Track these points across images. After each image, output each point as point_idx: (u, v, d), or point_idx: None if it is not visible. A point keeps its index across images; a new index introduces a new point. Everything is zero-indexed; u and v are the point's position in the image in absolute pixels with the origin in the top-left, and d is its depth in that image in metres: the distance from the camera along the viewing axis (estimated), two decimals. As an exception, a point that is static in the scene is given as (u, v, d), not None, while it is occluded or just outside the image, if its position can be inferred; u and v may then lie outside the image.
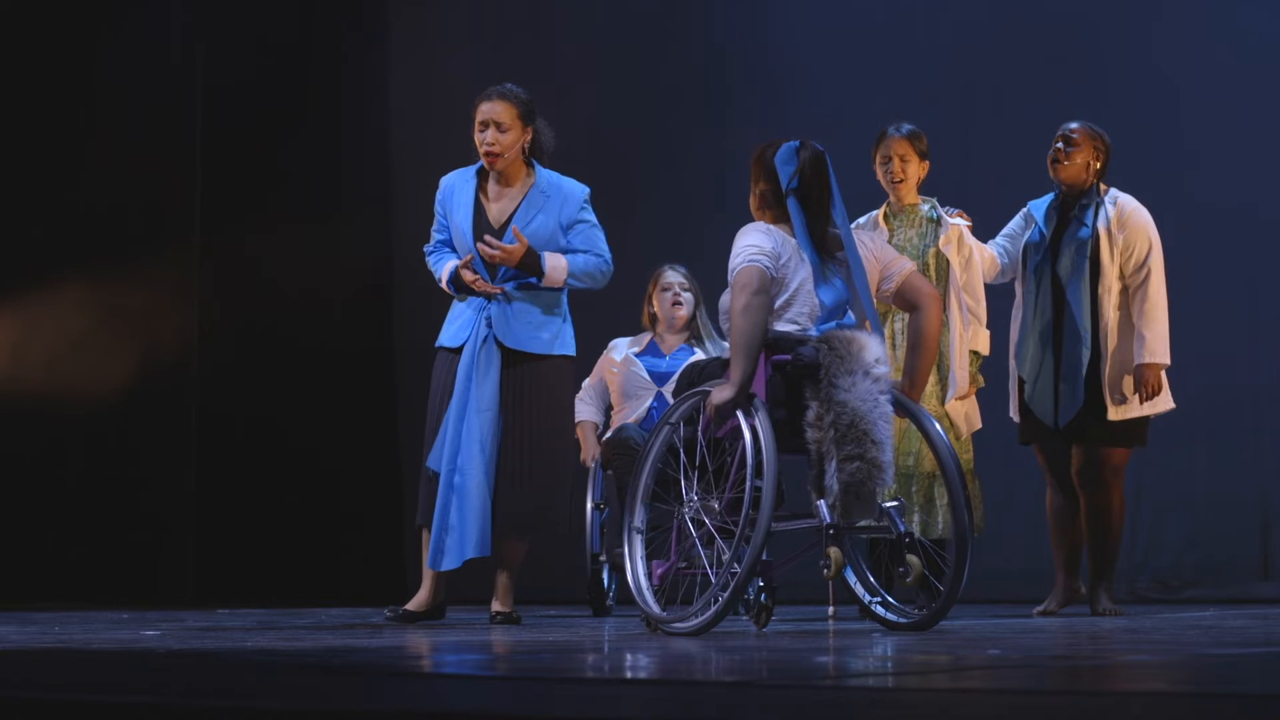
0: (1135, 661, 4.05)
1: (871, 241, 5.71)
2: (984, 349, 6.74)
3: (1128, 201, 6.77)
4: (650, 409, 7.44)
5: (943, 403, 6.57)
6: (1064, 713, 2.88)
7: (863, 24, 9.12)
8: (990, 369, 6.83)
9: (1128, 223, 6.72)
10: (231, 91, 9.45)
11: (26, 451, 9.04)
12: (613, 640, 5.28)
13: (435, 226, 6.37)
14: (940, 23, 9.00)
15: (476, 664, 4.21)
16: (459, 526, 6.08)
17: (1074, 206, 6.77)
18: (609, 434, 7.47)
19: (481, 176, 6.33)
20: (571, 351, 6.31)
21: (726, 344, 7.04)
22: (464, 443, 6.11)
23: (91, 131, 9.28)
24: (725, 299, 5.51)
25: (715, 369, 5.59)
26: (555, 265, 6.16)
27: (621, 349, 7.65)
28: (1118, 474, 6.75)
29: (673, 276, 7.62)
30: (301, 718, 2.95)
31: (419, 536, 6.27)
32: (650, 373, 7.53)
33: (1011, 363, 6.86)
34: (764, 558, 5.21)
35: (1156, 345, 6.63)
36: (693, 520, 5.41)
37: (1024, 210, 6.91)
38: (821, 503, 5.28)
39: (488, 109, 6.21)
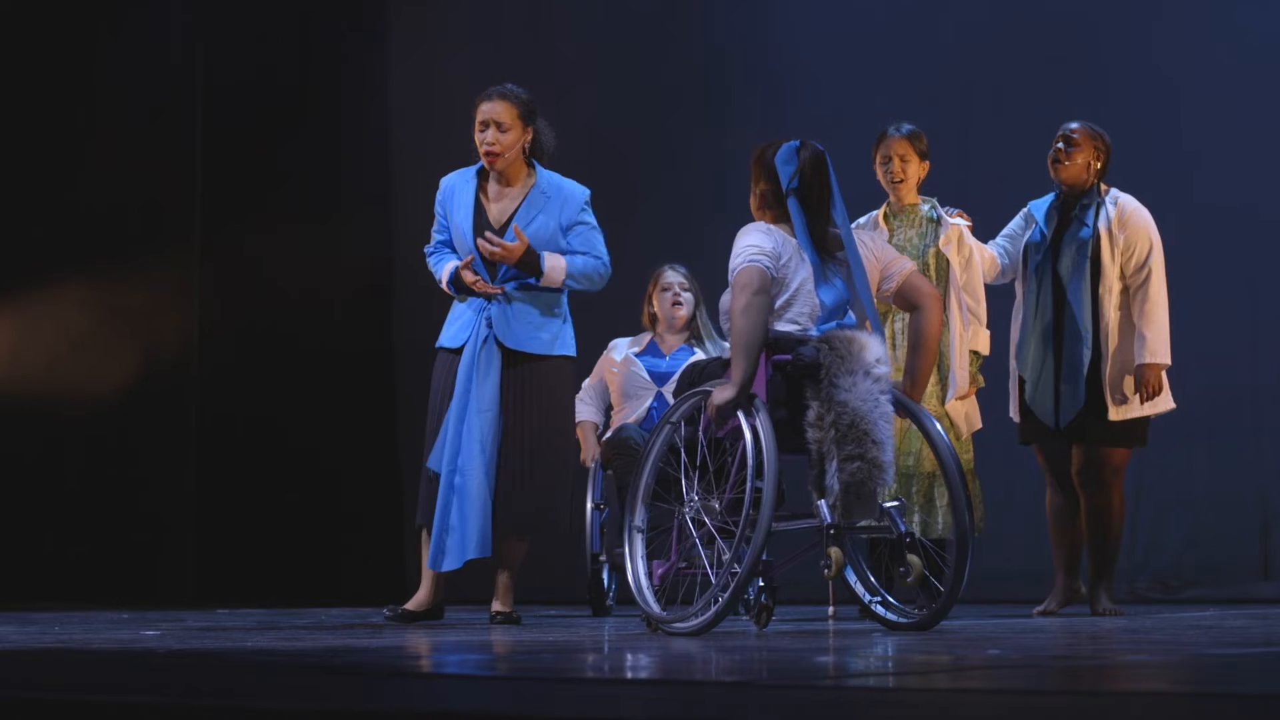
0: (1135, 661, 4.05)
1: (872, 241, 5.71)
2: (984, 349, 6.74)
3: (1128, 202, 6.77)
4: (650, 409, 7.44)
5: (943, 403, 6.57)
6: (1064, 713, 2.88)
7: (863, 24, 9.12)
8: (990, 369, 6.83)
9: (1128, 223, 6.72)
10: (231, 91, 9.45)
11: (26, 451, 9.04)
12: (613, 640, 5.28)
13: (435, 227, 6.37)
14: (940, 23, 9.00)
15: (476, 664, 4.21)
16: (460, 527, 6.08)
17: (1075, 206, 6.77)
18: (609, 434, 7.48)
19: (482, 177, 6.33)
20: (572, 352, 6.31)
21: (727, 344, 7.05)
22: (464, 443, 6.11)
23: (91, 131, 9.28)
24: (726, 299, 5.51)
25: (716, 369, 5.59)
26: (554, 265, 6.16)
27: (621, 349, 7.65)
28: (1118, 474, 6.75)
29: (673, 276, 7.62)
30: (301, 718, 2.95)
31: (419, 536, 6.27)
32: (650, 373, 7.53)
33: (1012, 363, 6.86)
34: (764, 558, 5.21)
35: (1157, 345, 6.63)
36: (693, 520, 5.41)
37: (1024, 210, 6.91)
38: (822, 502, 5.29)
39: (488, 109, 6.22)
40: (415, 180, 8.94)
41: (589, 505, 7.55)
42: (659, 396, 7.45)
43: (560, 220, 6.24)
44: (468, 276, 6.16)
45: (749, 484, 5.19)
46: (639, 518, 5.50)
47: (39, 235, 9.10)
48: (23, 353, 9.01)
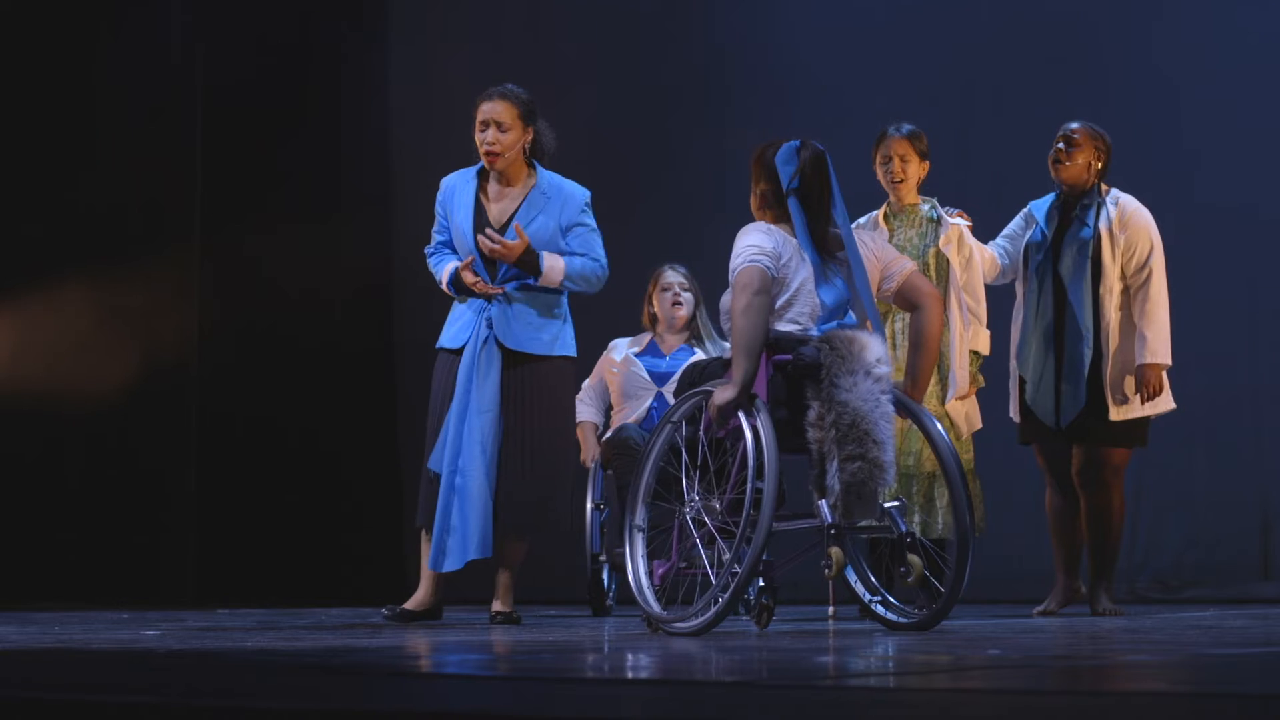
0: (1135, 661, 4.05)
1: (872, 241, 5.71)
2: (984, 349, 6.74)
3: (1129, 202, 6.77)
4: (650, 409, 7.44)
5: (943, 403, 6.57)
6: (1064, 713, 2.88)
7: (863, 24, 9.12)
8: (990, 369, 6.83)
9: (1129, 223, 6.72)
10: (231, 91, 9.44)
11: (26, 451, 9.03)
12: (613, 640, 5.28)
13: (436, 228, 6.37)
14: (940, 23, 9.00)
15: (476, 664, 4.21)
16: (461, 528, 6.08)
17: (1075, 207, 6.77)
18: (609, 434, 7.48)
19: (482, 177, 6.33)
20: (572, 352, 6.31)
21: (727, 344, 7.05)
22: (465, 444, 6.11)
23: (91, 131, 9.28)
24: (726, 299, 5.51)
25: (717, 369, 5.59)
26: (553, 266, 6.16)
27: (621, 349, 7.65)
28: (1118, 474, 6.75)
29: (673, 276, 7.62)
30: (301, 718, 2.95)
31: (419, 537, 6.27)
32: (650, 373, 7.53)
33: (1012, 363, 6.86)
34: (765, 558, 5.20)
35: (1158, 345, 6.63)
36: (693, 520, 5.41)
37: (1024, 210, 6.91)
38: (823, 502, 5.29)
39: (488, 108, 6.22)
40: (415, 180, 8.94)
41: (589, 505, 7.55)
42: (659, 396, 7.45)
43: (560, 221, 6.24)
44: (468, 277, 6.16)
45: (749, 484, 5.18)
46: (639, 517, 5.50)
47: (39, 235, 9.10)
48: (23, 353, 9.01)
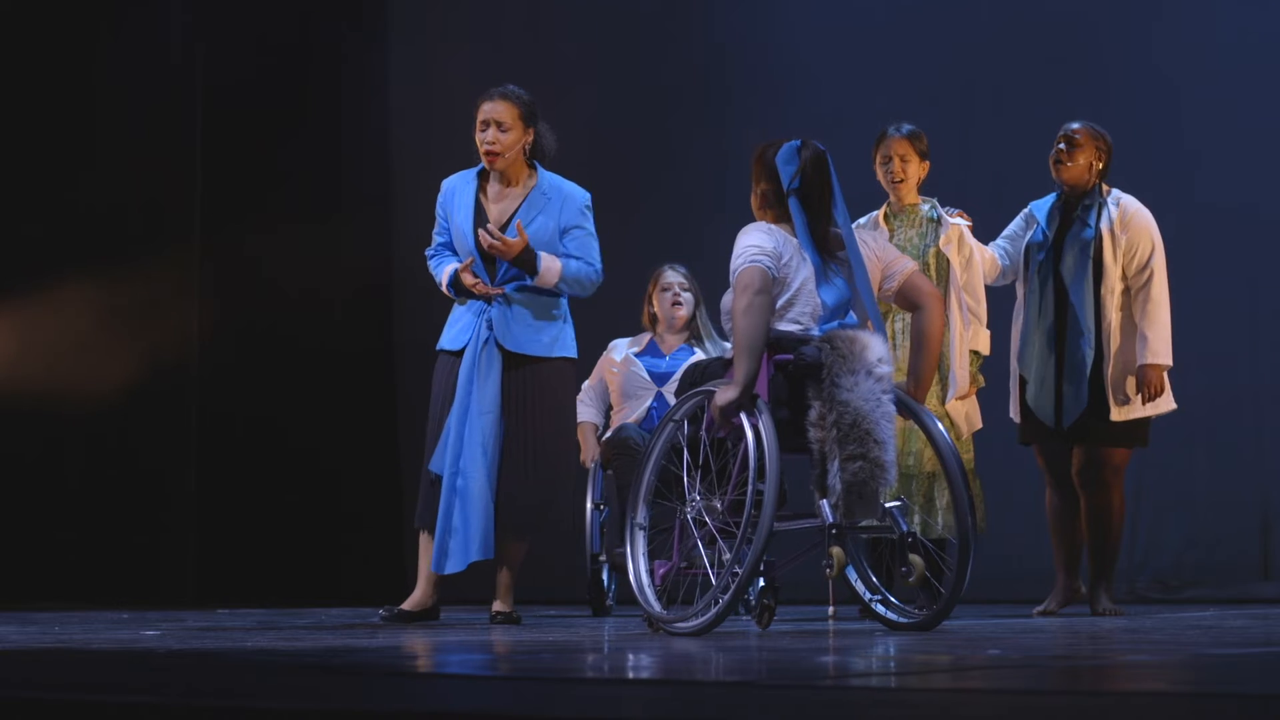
0: (1135, 661, 4.05)
1: (873, 241, 5.71)
2: (984, 349, 6.74)
3: (1130, 202, 6.77)
4: (650, 409, 7.44)
5: (943, 402, 6.57)
6: (1064, 713, 2.88)
7: (863, 24, 9.12)
8: (990, 369, 6.83)
9: (1130, 224, 6.72)
10: (231, 92, 9.44)
11: (26, 451, 9.03)
12: (613, 640, 5.28)
13: (436, 229, 6.38)
14: (940, 23, 9.00)
15: (476, 664, 4.21)
16: (462, 529, 6.09)
17: (1076, 207, 6.76)
18: (609, 434, 7.48)
19: (482, 178, 6.33)
20: (572, 353, 6.31)
21: (726, 344, 7.06)
22: (466, 446, 6.11)
23: (91, 131, 9.28)
24: (727, 299, 5.51)
25: (718, 369, 5.59)
26: (550, 267, 6.16)
27: (621, 349, 7.65)
28: (1118, 474, 6.75)
29: (672, 276, 7.62)
30: (301, 718, 2.95)
31: (418, 537, 6.27)
32: (650, 373, 7.53)
33: (1012, 362, 6.86)
34: (766, 558, 5.20)
35: (1159, 346, 6.63)
36: (694, 520, 5.41)
37: (1025, 211, 6.91)
38: (824, 502, 5.28)
39: (489, 108, 6.22)
40: (415, 180, 8.94)
41: (589, 505, 7.55)
42: (659, 397, 7.45)
43: (559, 222, 6.24)
44: (467, 279, 6.16)
45: (750, 486, 5.18)
46: (641, 515, 5.50)
47: (39, 235, 9.09)
48: (23, 353, 9.00)
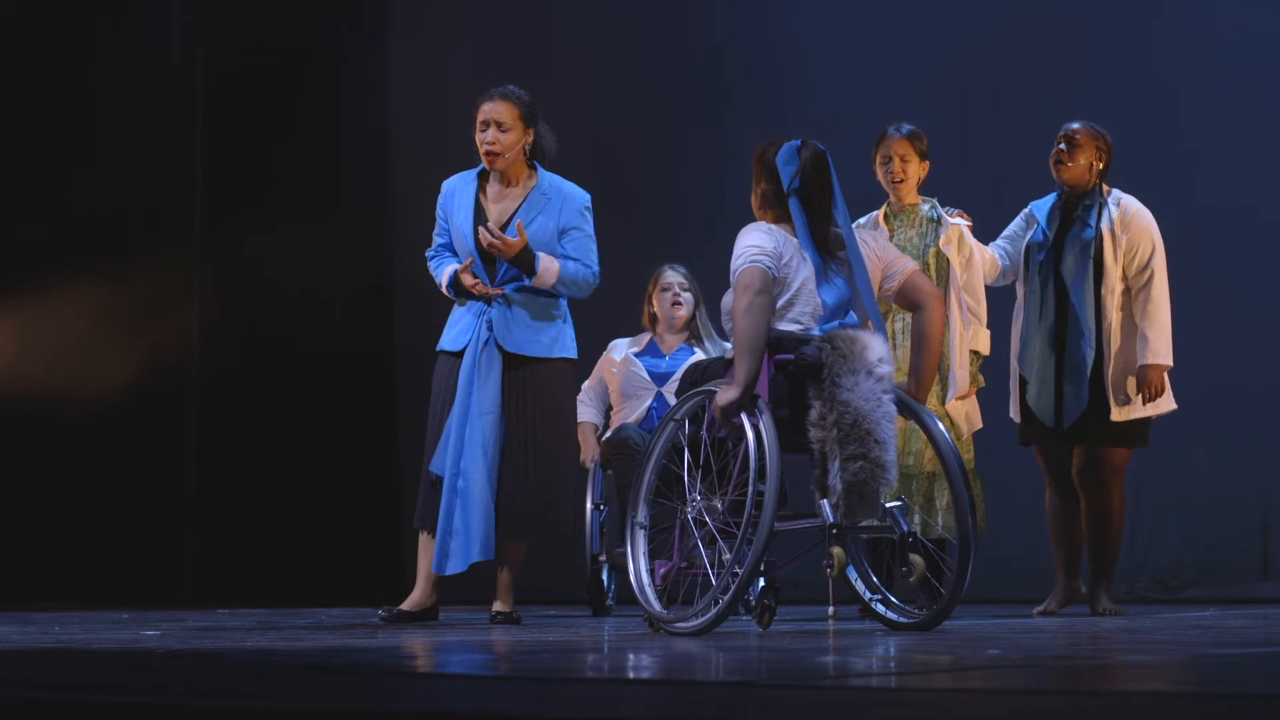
0: (1135, 661, 4.05)
1: (874, 240, 5.71)
2: (984, 349, 6.74)
3: (1131, 203, 6.77)
4: (650, 409, 7.44)
5: (943, 402, 6.57)
6: (1064, 713, 2.88)
7: (863, 24, 9.12)
8: (990, 369, 6.83)
9: (1131, 224, 6.72)
10: (231, 92, 9.44)
11: (27, 451, 9.03)
12: (613, 640, 5.28)
13: (436, 230, 6.38)
14: (940, 22, 9.00)
15: (476, 664, 4.21)
16: (463, 530, 6.09)
17: (1077, 207, 6.76)
18: (608, 434, 7.48)
19: (482, 179, 6.33)
20: (572, 354, 6.31)
21: (726, 344, 7.06)
22: (467, 446, 6.11)
23: (91, 131, 9.28)
24: (727, 299, 5.51)
25: (718, 369, 5.59)
26: (548, 267, 6.16)
27: (621, 349, 7.65)
28: (1118, 474, 6.75)
29: (672, 276, 7.62)
30: (301, 718, 2.95)
31: (418, 538, 6.27)
32: (650, 373, 7.53)
33: (1012, 362, 6.86)
34: (767, 558, 5.20)
35: (1159, 346, 6.63)
36: (695, 520, 5.41)
37: (1025, 211, 6.90)
38: (824, 502, 5.28)
39: (489, 109, 6.22)
40: (415, 180, 8.94)
41: (588, 505, 7.55)
42: (659, 397, 7.45)
43: (559, 222, 6.24)
44: (466, 279, 6.16)
45: (750, 487, 5.18)
46: (641, 514, 5.50)
47: (39, 235, 9.10)
48: (23, 353, 9.00)
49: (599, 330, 7.56)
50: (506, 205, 6.27)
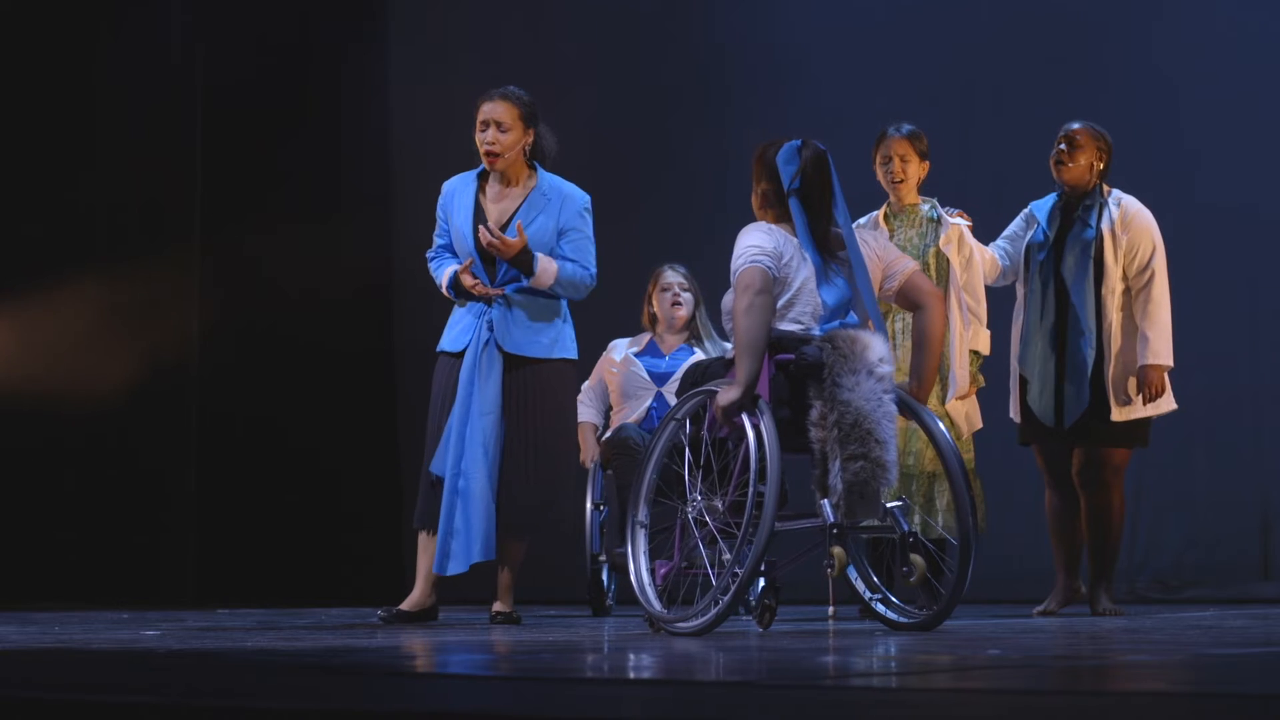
0: (1135, 661, 4.05)
1: (874, 240, 5.71)
2: (984, 349, 6.74)
3: (1131, 203, 6.77)
4: (650, 409, 7.44)
5: (943, 402, 6.57)
6: (1064, 713, 2.88)
7: (863, 24, 9.12)
8: (990, 369, 6.83)
9: (1131, 224, 6.72)
10: (231, 92, 9.44)
11: (27, 451, 9.03)
12: (613, 640, 5.28)
13: (437, 231, 6.38)
14: (940, 22, 9.00)
15: (476, 664, 4.21)
16: (464, 531, 6.09)
17: (1077, 207, 6.76)
18: (608, 434, 7.48)
19: (482, 179, 6.33)
20: (572, 354, 6.31)
21: (726, 344, 7.06)
22: (468, 447, 6.11)
23: (91, 131, 9.28)
24: (728, 299, 5.51)
25: (719, 369, 5.59)
26: (546, 269, 6.16)
27: (621, 349, 7.65)
28: (1118, 474, 6.75)
29: (672, 276, 7.62)
30: (301, 718, 2.95)
31: (417, 538, 6.27)
32: (650, 373, 7.53)
33: (1012, 362, 6.86)
34: (767, 558, 5.20)
35: (1160, 346, 6.63)
36: (695, 520, 5.40)
37: (1025, 211, 6.90)
38: (825, 502, 5.28)
39: (489, 109, 6.23)
40: (415, 180, 8.94)
41: (588, 505, 7.55)
42: (659, 397, 7.45)
43: (559, 222, 6.24)
44: (466, 280, 6.16)
45: (751, 487, 5.18)
46: (642, 514, 5.50)
47: (39, 235, 9.10)
48: (23, 353, 9.01)
49: (599, 330, 7.56)
50: (506, 205, 6.27)
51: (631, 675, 3.78)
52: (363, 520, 9.45)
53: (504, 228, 6.19)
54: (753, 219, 5.61)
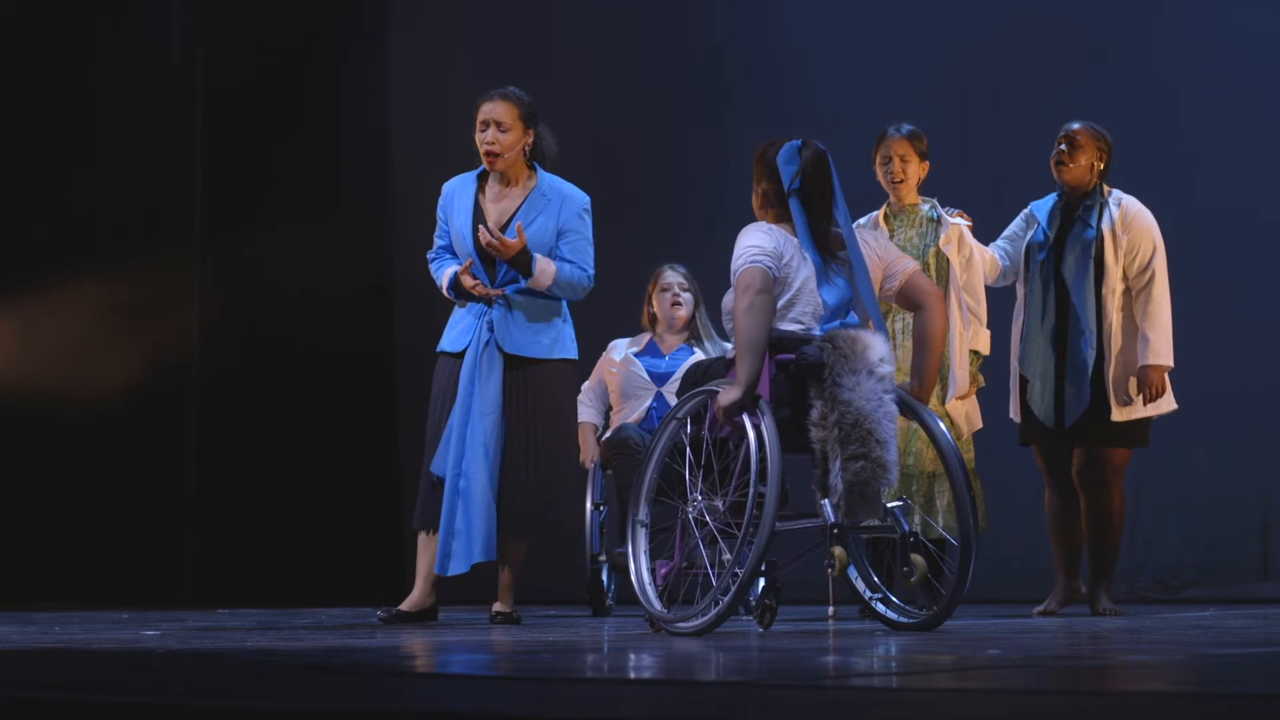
0: (1135, 661, 4.05)
1: (875, 240, 5.71)
2: (984, 349, 6.74)
3: (1131, 203, 6.77)
4: (650, 409, 7.44)
5: (943, 402, 6.57)
6: (1064, 713, 2.88)
7: (863, 24, 9.12)
8: (990, 369, 6.83)
9: (1132, 225, 6.72)
10: (231, 92, 9.45)
11: (27, 451, 9.04)
12: (613, 640, 5.28)
13: (437, 232, 6.38)
14: (940, 22, 9.00)
15: (476, 664, 4.21)
16: (465, 531, 6.09)
17: (1078, 208, 6.76)
18: (608, 434, 7.48)
19: (482, 180, 6.33)
20: (572, 354, 6.31)
21: (726, 344, 7.06)
22: (469, 447, 6.11)
23: (91, 131, 9.28)
24: (728, 299, 5.50)
25: (719, 369, 5.58)
26: (544, 270, 6.15)
27: (621, 349, 7.65)
28: (1118, 474, 6.75)
29: (672, 276, 7.62)
30: (301, 718, 2.95)
31: (417, 538, 6.27)
32: (650, 373, 7.53)
33: (1012, 362, 6.86)
34: (768, 558, 5.20)
35: (1160, 347, 6.63)
36: (695, 520, 5.40)
37: (1025, 211, 6.90)
38: (826, 502, 5.28)
39: (489, 109, 6.23)
40: (415, 180, 8.94)
41: (588, 505, 7.55)
42: (658, 397, 7.45)
43: (558, 222, 6.24)
44: (467, 281, 6.16)
45: (751, 488, 5.18)
46: (643, 513, 5.49)
47: (39, 235, 9.10)
48: (23, 352, 9.01)
49: (599, 330, 7.56)
50: (506, 206, 6.27)
51: (631, 675, 3.78)
52: (363, 520, 9.45)
53: (504, 228, 6.19)
54: (753, 219, 5.61)
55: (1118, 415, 6.66)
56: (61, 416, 8.99)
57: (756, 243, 5.44)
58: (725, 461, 5.39)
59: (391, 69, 9.86)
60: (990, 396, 6.84)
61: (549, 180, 6.29)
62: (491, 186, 6.31)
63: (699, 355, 7.40)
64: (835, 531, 5.24)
